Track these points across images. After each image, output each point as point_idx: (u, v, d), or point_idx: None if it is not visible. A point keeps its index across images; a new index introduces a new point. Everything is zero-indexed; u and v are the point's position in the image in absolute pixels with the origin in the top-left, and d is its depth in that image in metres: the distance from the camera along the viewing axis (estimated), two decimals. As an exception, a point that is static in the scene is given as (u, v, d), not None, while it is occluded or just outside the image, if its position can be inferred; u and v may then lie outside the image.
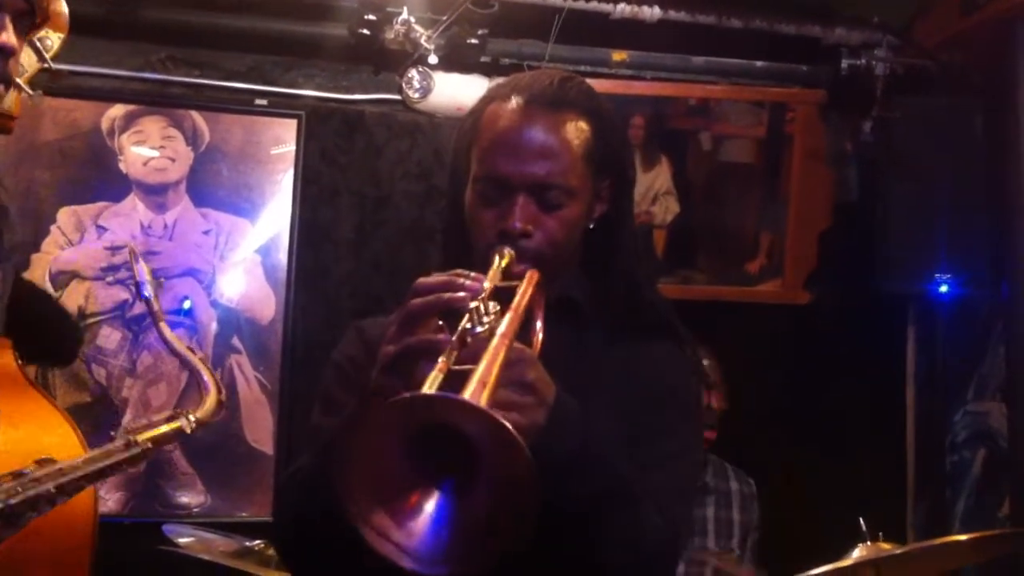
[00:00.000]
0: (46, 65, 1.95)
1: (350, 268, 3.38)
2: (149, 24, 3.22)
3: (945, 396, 3.57)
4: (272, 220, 3.32)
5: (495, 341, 1.09)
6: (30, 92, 1.91)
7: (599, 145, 1.42)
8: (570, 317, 1.41)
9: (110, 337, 3.15)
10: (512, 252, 1.33)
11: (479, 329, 1.11)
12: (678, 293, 3.30)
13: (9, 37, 1.61)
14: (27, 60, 1.92)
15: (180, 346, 2.05)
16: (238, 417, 3.22)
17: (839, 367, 3.49)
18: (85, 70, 3.15)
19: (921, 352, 3.68)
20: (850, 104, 3.50)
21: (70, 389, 3.08)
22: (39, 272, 3.10)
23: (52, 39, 1.96)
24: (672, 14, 3.37)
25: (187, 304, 3.22)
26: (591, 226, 1.45)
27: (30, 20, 1.69)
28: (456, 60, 3.32)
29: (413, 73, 3.34)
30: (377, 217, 3.41)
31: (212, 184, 3.28)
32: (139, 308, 2.91)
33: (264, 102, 3.34)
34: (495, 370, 1.04)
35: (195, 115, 3.28)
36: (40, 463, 1.68)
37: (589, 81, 1.50)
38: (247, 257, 3.30)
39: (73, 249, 3.15)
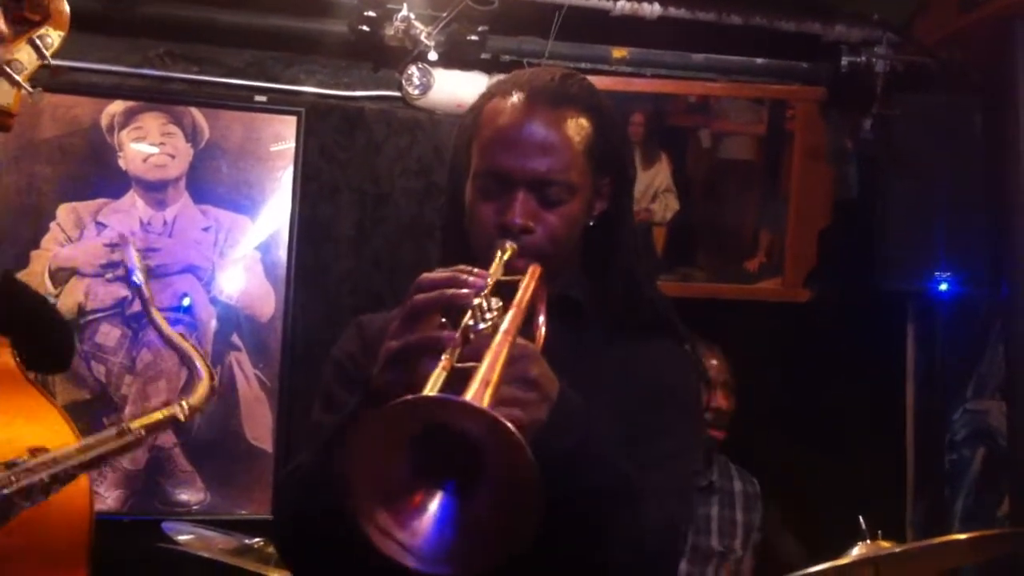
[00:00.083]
0: (46, 63, 1.95)
1: (350, 265, 3.38)
2: (147, 20, 3.21)
3: (944, 394, 3.57)
4: (272, 217, 3.32)
5: (498, 338, 1.09)
6: (30, 90, 1.90)
7: (600, 142, 1.42)
8: (569, 315, 1.41)
9: (109, 334, 3.14)
10: (514, 246, 1.32)
11: (482, 326, 1.11)
12: (678, 291, 3.30)
13: None
14: (27, 57, 1.91)
15: (171, 333, 2.04)
16: (237, 415, 3.22)
17: (838, 365, 3.49)
18: (83, 66, 3.15)
19: (920, 350, 3.68)
20: (850, 101, 3.49)
21: (69, 386, 3.07)
22: (38, 269, 3.10)
23: (52, 37, 1.96)
24: (672, 11, 3.37)
25: (186, 301, 3.21)
26: (591, 223, 1.45)
27: (15, 5, 1.68)
28: (456, 57, 3.32)
29: (413, 70, 3.34)
30: (377, 214, 3.40)
31: (212, 181, 3.28)
32: (139, 305, 2.90)
33: (264, 98, 3.34)
34: (498, 368, 1.04)
35: (195, 112, 3.27)
36: (33, 452, 1.68)
37: (589, 78, 1.49)
38: (247, 254, 3.29)
39: (73, 246, 3.14)
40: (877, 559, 2.36)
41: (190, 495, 3.18)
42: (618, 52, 3.46)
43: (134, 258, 2.00)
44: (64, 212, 3.15)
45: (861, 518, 2.49)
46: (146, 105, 3.24)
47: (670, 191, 3.57)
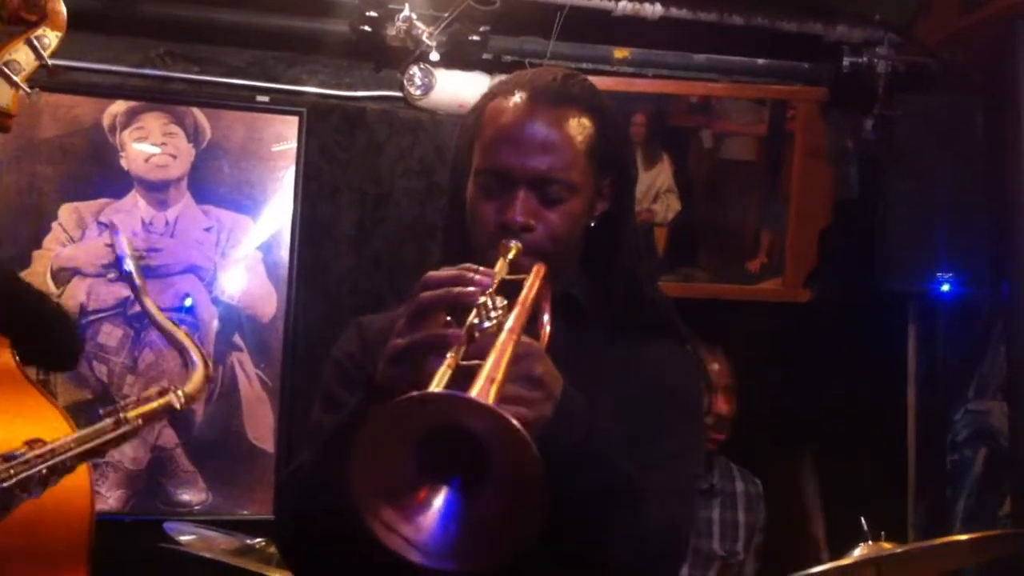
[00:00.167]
0: (44, 63, 1.95)
1: (351, 265, 3.38)
2: (148, 19, 3.21)
3: (946, 395, 3.57)
4: (273, 217, 3.32)
5: (503, 336, 1.09)
6: (28, 90, 1.91)
7: (601, 142, 1.42)
8: (570, 315, 1.40)
9: (111, 334, 3.14)
10: (519, 245, 1.32)
11: (487, 324, 1.11)
12: (679, 291, 3.29)
13: None
14: (25, 58, 1.92)
15: (164, 321, 2.03)
16: (239, 415, 3.22)
17: (839, 366, 3.49)
18: (83, 66, 3.15)
19: (922, 351, 3.68)
20: (851, 102, 3.49)
21: (71, 386, 3.07)
22: (40, 269, 3.10)
23: (50, 37, 1.96)
24: (674, 11, 3.37)
25: (188, 301, 3.21)
26: (592, 224, 1.45)
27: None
28: (457, 57, 3.32)
29: (414, 70, 3.34)
30: (378, 214, 3.41)
31: (213, 181, 3.28)
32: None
33: (265, 99, 3.34)
34: (503, 366, 1.04)
35: (196, 112, 3.27)
36: (30, 444, 1.68)
37: (591, 78, 1.50)
38: (248, 254, 3.29)
39: (74, 246, 3.14)
40: (879, 560, 2.35)
41: (192, 495, 3.18)
42: (620, 52, 3.46)
43: (124, 246, 1.99)
44: (66, 212, 3.15)
45: (862, 519, 2.49)
46: (148, 105, 3.24)
47: (671, 191, 3.58)
